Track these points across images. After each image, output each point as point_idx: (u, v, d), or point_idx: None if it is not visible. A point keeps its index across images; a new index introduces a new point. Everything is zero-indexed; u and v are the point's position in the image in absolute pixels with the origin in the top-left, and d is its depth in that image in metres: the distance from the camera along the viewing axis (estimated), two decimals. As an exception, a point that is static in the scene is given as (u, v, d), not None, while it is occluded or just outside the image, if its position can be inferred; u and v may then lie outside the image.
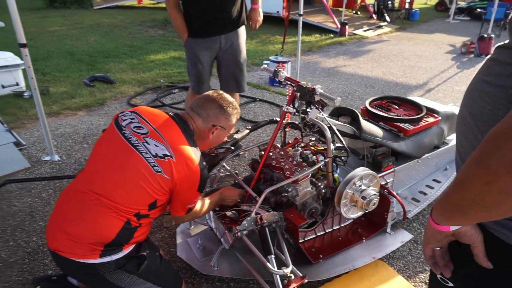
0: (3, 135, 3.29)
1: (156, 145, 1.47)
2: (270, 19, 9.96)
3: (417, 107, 2.46)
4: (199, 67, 2.80)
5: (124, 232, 1.43)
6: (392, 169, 2.25)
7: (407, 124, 2.30)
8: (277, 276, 1.59)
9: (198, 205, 1.68)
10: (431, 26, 10.51)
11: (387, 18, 10.64)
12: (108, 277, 1.44)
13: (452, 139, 2.65)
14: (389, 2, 10.74)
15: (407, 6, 11.49)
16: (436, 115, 2.43)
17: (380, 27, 9.88)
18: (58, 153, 3.14)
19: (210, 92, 1.74)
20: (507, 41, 0.74)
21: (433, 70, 6.02)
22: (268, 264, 1.60)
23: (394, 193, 2.11)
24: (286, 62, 4.99)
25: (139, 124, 1.54)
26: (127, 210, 1.42)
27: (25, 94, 4.48)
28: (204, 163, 1.56)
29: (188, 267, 1.94)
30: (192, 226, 2.16)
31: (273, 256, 1.66)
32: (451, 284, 0.86)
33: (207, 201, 1.79)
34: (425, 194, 2.40)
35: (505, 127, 0.54)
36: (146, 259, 1.54)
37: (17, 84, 4.62)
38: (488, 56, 0.79)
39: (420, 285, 1.91)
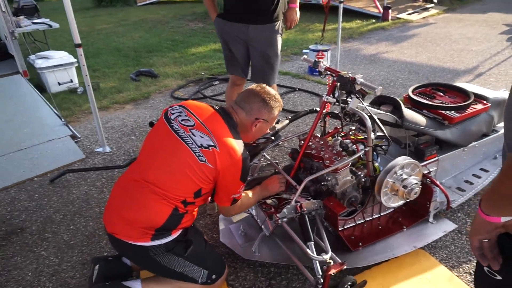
0: (61, 128, 3.57)
1: (201, 136, 1.56)
2: (309, 7, 9.81)
3: (464, 93, 2.36)
4: (226, 50, 2.89)
5: (172, 218, 1.55)
6: (436, 158, 2.19)
7: (452, 112, 2.22)
8: (317, 262, 1.63)
9: (242, 197, 1.75)
10: (484, 5, 9.80)
11: (434, 0, 10.06)
12: (158, 258, 1.57)
13: (502, 126, 2.51)
14: (436, -18, 10.14)
15: (456, -15, 10.78)
16: (485, 102, 2.32)
17: (426, 9, 9.37)
18: (109, 144, 3.36)
19: (253, 86, 1.81)
20: None
21: (484, 53, 5.66)
22: (308, 250, 1.64)
23: (437, 182, 2.06)
24: (326, 50, 4.92)
25: (186, 117, 1.64)
26: (175, 197, 1.53)
27: (78, 90, 4.80)
28: (247, 153, 1.64)
29: (230, 252, 2.03)
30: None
31: (312, 243, 1.71)
32: (499, 277, 0.84)
33: (250, 194, 1.86)
34: (471, 183, 2.31)
35: None
36: (192, 243, 1.65)
37: (71, 81, 4.95)
38: None
39: (464, 275, 1.87)
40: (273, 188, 1.95)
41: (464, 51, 5.82)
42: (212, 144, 1.55)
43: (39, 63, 4.75)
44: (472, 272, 1.89)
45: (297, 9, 2.90)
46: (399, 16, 8.61)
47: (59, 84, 4.85)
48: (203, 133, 1.58)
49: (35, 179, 2.89)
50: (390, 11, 8.38)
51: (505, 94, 2.52)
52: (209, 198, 1.84)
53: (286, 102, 4.15)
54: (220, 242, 2.08)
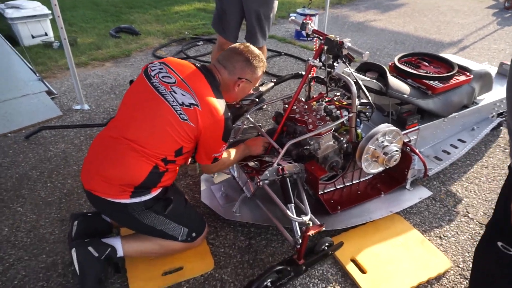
0: (36, 84, 3.42)
1: (183, 94, 1.52)
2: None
3: (448, 64, 2.37)
4: (219, 9, 2.78)
5: (152, 176, 1.52)
6: (417, 127, 2.22)
7: (436, 82, 2.23)
8: (296, 223, 1.67)
9: (224, 155, 1.74)
10: (472, -22, 9.71)
11: (425, -31, 9.88)
12: (138, 216, 1.56)
13: (483, 99, 2.56)
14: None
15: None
16: (468, 73, 2.34)
17: (416, -22, 9.21)
18: (87, 102, 3.25)
19: (236, 45, 1.74)
20: None
21: (470, 26, 5.67)
22: (288, 212, 1.67)
23: (417, 150, 2.11)
24: (313, 15, 4.81)
25: (167, 74, 1.58)
26: (155, 155, 1.50)
27: (54, 44, 4.56)
28: (229, 113, 1.61)
29: (211, 212, 2.05)
30: (216, 175, 2.25)
31: (293, 205, 1.73)
32: None
33: (232, 152, 1.85)
34: (448, 153, 2.38)
35: None
36: (172, 201, 1.64)
37: (46, 34, 4.69)
38: None
39: (434, 239, 1.96)
40: (256, 150, 1.95)
41: (451, 24, 5.82)
42: (194, 102, 1.51)
43: (10, 13, 4.45)
44: (442, 236, 1.99)
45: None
46: (389, -16, 8.44)
47: (33, 37, 4.59)
48: (185, 90, 1.53)
49: (9, 135, 2.79)
50: (380, -22, 8.18)
51: (487, 67, 2.55)
52: (190, 158, 1.83)
53: (271, 66, 4.08)
54: (201, 202, 2.09)
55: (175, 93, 1.52)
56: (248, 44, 1.75)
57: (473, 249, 1.82)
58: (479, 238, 1.90)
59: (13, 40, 4.53)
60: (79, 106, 3.16)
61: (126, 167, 1.50)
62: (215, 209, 2.01)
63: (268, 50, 4.47)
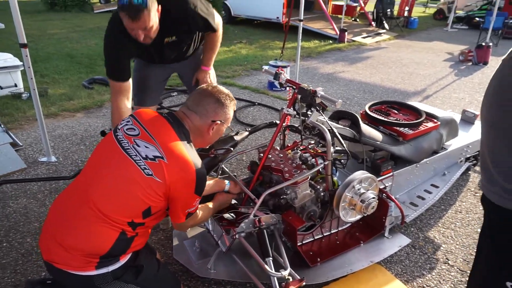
0: (0, 135, 3.27)
1: (146, 147, 1.40)
2: (270, 25, 10.03)
3: (416, 112, 2.46)
4: (141, 85, 2.50)
5: (119, 243, 1.37)
6: (391, 173, 2.24)
7: (406, 129, 2.30)
8: (275, 278, 1.57)
9: (198, 211, 1.61)
10: (429, 34, 10.58)
11: (386, 26, 10.70)
12: None
13: (450, 144, 2.65)
14: (388, 10, 10.82)
15: (406, 14, 11.57)
16: (435, 120, 2.43)
17: (379, 34, 9.94)
18: (55, 154, 3.11)
19: (203, 87, 1.66)
20: None
21: (431, 77, 6.05)
22: (266, 266, 1.58)
23: (393, 197, 2.10)
24: (285, 67, 5.00)
25: (132, 126, 1.49)
26: (120, 219, 1.35)
27: (23, 95, 4.47)
28: (200, 162, 1.48)
29: (184, 270, 1.92)
30: (189, 229, 2.14)
31: (271, 258, 1.64)
32: None
33: (208, 206, 1.76)
34: (423, 199, 2.39)
35: None
36: (143, 268, 1.49)
37: (16, 86, 4.61)
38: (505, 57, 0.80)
39: (418, 290, 1.90)
40: (226, 199, 1.87)
41: (414, 75, 6.18)
42: (159, 155, 1.38)
43: (-21, 65, 4.37)
44: (425, 286, 1.93)
45: (210, 71, 2.56)
46: (354, 39, 9.04)
47: (1, 88, 4.49)
48: (148, 142, 1.41)
49: (-35, 190, 2.59)
50: (346, 33, 8.77)
51: (452, 115, 2.66)
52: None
53: (245, 116, 4.12)
54: (173, 259, 1.96)
55: (138, 146, 1.41)
56: (215, 84, 1.69)
57: (458, 299, 1.77)
58: (462, 286, 1.85)
59: (-21, 91, 4.41)
60: (45, 158, 3.02)
61: (90, 237, 1.33)
62: (188, 266, 1.87)
63: (242, 100, 4.55)
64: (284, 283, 1.52)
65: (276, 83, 4.99)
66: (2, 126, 3.40)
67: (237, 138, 2.09)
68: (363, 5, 11.44)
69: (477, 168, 3.10)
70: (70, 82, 5.14)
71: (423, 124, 2.37)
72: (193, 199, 1.47)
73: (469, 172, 3.01)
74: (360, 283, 1.88)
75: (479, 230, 2.24)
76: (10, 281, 1.87)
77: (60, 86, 4.96)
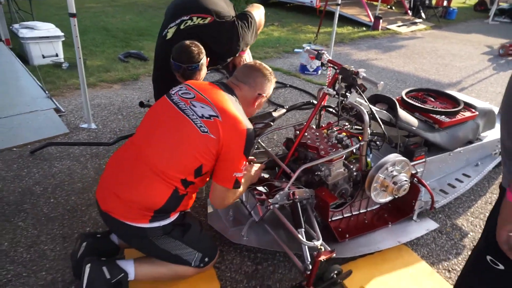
0: (44, 101, 3.44)
1: (202, 107, 1.51)
2: (303, 9, 9.89)
3: (454, 100, 2.44)
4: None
5: (172, 200, 1.49)
6: (424, 159, 2.25)
7: (443, 116, 2.29)
8: (306, 247, 1.65)
9: (243, 180, 1.64)
10: (468, 26, 10.18)
11: (423, 15, 10.35)
12: (155, 241, 1.52)
13: (486, 136, 2.62)
14: (426, -1, 10.45)
15: (444, 4, 11.15)
16: (473, 110, 2.41)
17: (414, 23, 9.64)
18: (94, 121, 3.26)
19: (251, 62, 1.79)
20: None
21: (467, 69, 5.87)
22: (299, 236, 1.65)
23: (424, 182, 2.12)
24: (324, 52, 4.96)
25: (187, 91, 1.61)
26: (175, 175, 1.47)
27: (64, 65, 4.64)
28: (250, 123, 1.57)
29: (217, 236, 2.02)
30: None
31: (303, 229, 1.72)
32: (501, 267, 0.83)
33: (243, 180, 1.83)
34: (453, 187, 2.40)
35: None
36: (190, 227, 1.61)
37: (57, 55, 4.79)
38: None
39: (443, 272, 1.93)
40: (256, 174, 1.90)
41: (449, 66, 6.02)
42: (214, 114, 1.49)
43: (24, 33, 4.57)
44: (450, 269, 1.96)
45: (246, 55, 2.68)
46: (388, 27, 8.81)
47: (44, 56, 4.68)
48: (204, 103, 1.53)
49: (14, 149, 2.77)
50: (381, 21, 8.56)
51: (491, 106, 2.62)
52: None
53: (276, 97, 4.16)
54: (208, 225, 2.06)
55: (195, 106, 1.52)
56: (259, 62, 1.81)
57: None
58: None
59: (24, 59, 4.61)
60: (86, 124, 3.17)
61: (146, 191, 1.46)
62: (222, 232, 1.97)
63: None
64: (316, 253, 1.60)
65: (308, 66, 5.02)
66: (47, 92, 3.57)
67: (275, 114, 2.15)
68: (400, -8, 11.07)
69: None
70: (106, 55, 5.29)
71: (461, 113, 2.35)
72: (241, 159, 1.54)
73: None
74: (386, 262, 1.93)
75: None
76: (59, 233, 2.02)
77: (97, 58, 5.11)
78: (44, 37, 4.65)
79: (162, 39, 2.42)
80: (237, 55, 2.57)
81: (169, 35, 2.36)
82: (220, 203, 1.66)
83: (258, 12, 2.62)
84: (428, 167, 2.31)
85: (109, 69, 4.66)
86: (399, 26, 9.07)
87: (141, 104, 2.83)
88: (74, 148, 2.84)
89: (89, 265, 1.51)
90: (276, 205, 1.81)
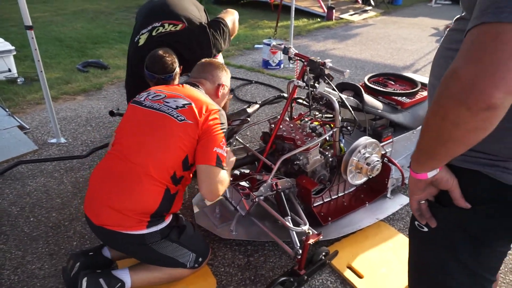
0: (6, 119, 3.31)
1: (175, 101, 1.62)
2: (257, 4, 9.99)
3: (412, 82, 2.63)
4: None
5: (165, 200, 1.53)
6: (391, 139, 2.41)
7: (404, 98, 2.46)
8: (294, 233, 1.74)
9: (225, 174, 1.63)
10: (414, 10, 10.72)
11: (372, 2, 10.78)
12: (154, 246, 1.55)
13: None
14: (373, -14, 10.87)
15: (390, -10, 11.64)
16: (429, 89, 2.60)
17: (365, 11, 10.02)
18: (63, 135, 3.18)
19: (202, 61, 1.94)
20: (463, 14, 0.86)
21: (418, 52, 6.23)
22: (287, 223, 1.74)
23: (394, 161, 2.28)
24: (281, 44, 5.07)
25: (156, 94, 1.67)
26: (166, 171, 1.51)
27: (19, 80, 4.44)
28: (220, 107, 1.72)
29: (206, 234, 2.07)
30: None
31: (289, 217, 1.81)
32: (425, 229, 0.96)
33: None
34: (420, 162, 2.58)
35: (450, 70, 0.66)
36: (185, 227, 1.66)
37: (10, 70, 4.57)
38: (449, 28, 0.89)
39: (420, 241, 2.10)
40: (231, 159, 1.92)
41: (401, 50, 6.35)
42: (186, 102, 1.61)
43: (-28, 50, 4.32)
44: (425, 238, 2.14)
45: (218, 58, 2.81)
46: (342, 16, 9.11)
47: (-5, 73, 4.45)
48: (176, 97, 1.63)
49: (-18, 172, 2.66)
50: (334, 11, 8.83)
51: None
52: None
53: (244, 94, 4.23)
54: (196, 225, 2.10)
55: (168, 103, 1.61)
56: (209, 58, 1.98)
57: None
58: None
59: (-27, 77, 4.37)
60: (55, 139, 3.09)
61: (140, 197, 1.48)
62: (211, 230, 2.03)
63: (239, 79, 4.65)
64: (304, 237, 1.69)
65: (271, 61, 5.12)
66: (7, 110, 3.43)
67: (249, 110, 2.22)
68: (348, -18, 11.44)
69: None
70: (63, 66, 5.11)
71: (419, 93, 2.53)
72: (218, 134, 1.58)
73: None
74: (367, 238, 2.07)
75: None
76: (44, 251, 1.99)
77: (54, 70, 4.93)
78: (-6, 52, 4.42)
79: (134, 45, 2.42)
80: None
81: (141, 42, 2.36)
82: (209, 189, 1.55)
83: (231, 18, 2.67)
84: (395, 146, 2.48)
85: (69, 81, 4.52)
86: (351, 15, 9.40)
87: (111, 113, 2.79)
88: (46, 165, 2.77)
89: (85, 278, 1.52)
90: (261, 197, 1.89)
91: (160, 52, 2.13)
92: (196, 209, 2.20)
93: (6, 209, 2.30)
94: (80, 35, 6.80)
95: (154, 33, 2.34)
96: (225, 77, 1.93)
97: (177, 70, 2.20)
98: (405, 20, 9.23)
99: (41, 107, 3.75)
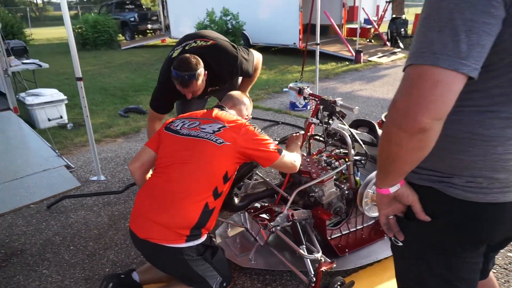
0: (56, 159, 3.69)
1: (210, 126, 1.79)
2: (287, 51, 10.50)
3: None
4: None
5: (204, 215, 1.66)
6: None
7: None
8: (308, 260, 1.81)
9: (290, 154, 1.92)
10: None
11: (401, 45, 10.99)
12: (190, 262, 1.66)
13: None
14: (402, 29, 11.14)
15: (419, 32, 11.84)
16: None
17: (394, 53, 10.22)
18: (103, 174, 3.49)
19: (231, 92, 2.18)
20: None
21: (447, 90, 6.23)
22: (301, 251, 1.83)
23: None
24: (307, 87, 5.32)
25: (190, 122, 1.86)
26: (208, 188, 1.68)
27: (68, 125, 4.95)
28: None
29: (227, 263, 2.17)
30: (229, 229, 2.42)
31: (304, 246, 1.89)
32: (400, 244, 1.05)
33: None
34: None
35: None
36: (218, 249, 1.79)
37: (61, 117, 5.11)
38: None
39: (440, 275, 2.08)
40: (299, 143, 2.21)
41: (430, 89, 6.38)
42: (221, 125, 1.78)
43: (30, 100, 4.91)
44: (446, 272, 2.11)
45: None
46: (370, 59, 9.35)
47: (49, 120, 4.99)
48: (210, 123, 1.81)
49: (31, 206, 2.97)
50: (361, 54, 9.10)
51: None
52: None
53: (270, 135, 4.43)
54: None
55: (204, 129, 1.79)
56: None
57: None
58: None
59: (30, 124, 4.92)
60: (96, 177, 3.40)
61: (181, 211, 1.63)
62: (231, 259, 2.14)
63: (266, 120, 4.88)
64: (317, 264, 1.76)
65: (297, 102, 5.35)
66: (57, 151, 3.83)
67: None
68: (376, 26, 11.82)
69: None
70: (107, 112, 5.63)
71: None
72: (260, 135, 1.81)
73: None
74: (385, 270, 2.08)
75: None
76: (81, 276, 2.18)
77: (99, 116, 5.44)
78: (49, 102, 4.99)
79: (167, 58, 2.69)
80: (234, 78, 2.84)
81: (175, 54, 2.63)
82: (291, 170, 1.96)
83: (256, 54, 2.91)
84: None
85: (111, 125, 4.96)
86: (379, 57, 9.63)
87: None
88: (87, 199, 3.04)
89: None
90: (278, 227, 2.00)
91: (187, 54, 2.37)
92: (218, 240, 2.32)
93: (51, 238, 2.55)
94: (123, 84, 7.47)
95: (187, 48, 2.59)
96: (250, 108, 2.16)
97: (201, 71, 2.35)
98: (435, 60, 9.29)
99: (85, 148, 4.14)
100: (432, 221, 0.94)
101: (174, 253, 1.64)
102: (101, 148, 4.19)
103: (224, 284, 1.81)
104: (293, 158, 1.90)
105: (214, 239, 1.86)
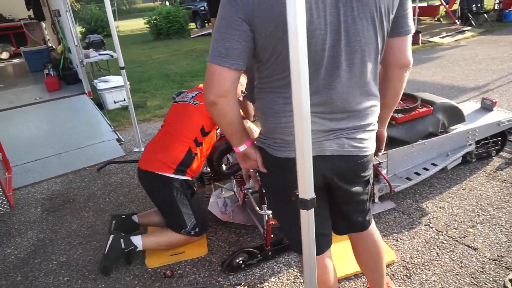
0: (110, 134, 4.53)
1: (192, 93, 2.44)
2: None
3: (414, 99, 2.84)
4: None
5: (187, 156, 2.27)
6: (385, 151, 2.67)
7: (399, 114, 2.71)
8: (265, 217, 2.22)
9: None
10: (525, 27, 9.70)
11: (473, 23, 10.14)
12: (174, 190, 2.24)
13: (455, 128, 2.92)
14: (474, 5, 10.24)
15: (496, 7, 10.76)
16: (430, 106, 2.78)
17: (461, 32, 9.52)
18: (144, 146, 4.21)
19: None
20: None
21: (500, 72, 5.83)
22: (256, 207, 2.24)
23: (382, 171, 2.56)
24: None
25: (184, 93, 2.52)
26: (189, 137, 2.27)
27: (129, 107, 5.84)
28: None
29: (213, 219, 2.67)
30: (223, 193, 2.91)
31: (265, 205, 2.30)
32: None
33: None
34: (419, 174, 2.74)
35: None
36: (195, 194, 2.39)
37: (124, 100, 6.02)
38: None
39: (391, 241, 2.33)
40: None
41: (482, 71, 6.03)
42: (198, 92, 2.41)
43: (100, 86, 5.90)
44: (398, 239, 2.34)
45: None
46: (430, 39, 8.89)
47: (115, 102, 5.94)
48: (193, 91, 2.46)
49: (87, 168, 3.80)
50: (420, 35, 8.70)
51: (452, 102, 2.92)
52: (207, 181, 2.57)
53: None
54: (207, 210, 2.73)
55: (188, 95, 2.44)
56: None
57: (424, 250, 2.19)
58: (433, 242, 2.24)
59: (100, 105, 5.92)
60: (138, 149, 4.13)
61: (171, 150, 2.27)
62: (216, 214, 2.62)
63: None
64: (267, 219, 2.17)
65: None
66: (112, 127, 4.67)
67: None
68: (444, 3, 11.01)
69: (504, 154, 3.22)
70: (164, 96, 6.44)
71: (417, 109, 2.74)
72: None
73: (493, 157, 3.17)
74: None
75: (474, 203, 2.57)
76: (108, 219, 2.87)
77: (156, 99, 6.27)
78: (115, 87, 5.93)
79: None
80: None
81: None
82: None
83: None
84: (392, 158, 2.72)
85: (163, 107, 5.73)
86: (442, 37, 9.09)
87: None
88: (126, 165, 3.78)
89: (112, 236, 2.28)
90: (250, 190, 2.43)
91: None
92: (212, 199, 2.82)
93: (94, 192, 3.31)
94: (184, 71, 8.29)
95: None
96: (244, 86, 2.59)
97: None
98: (507, 38, 8.49)
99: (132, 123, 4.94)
100: (267, 172, 1.31)
101: (163, 179, 2.23)
102: (149, 125, 4.96)
103: (197, 230, 2.32)
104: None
105: (195, 187, 2.42)
